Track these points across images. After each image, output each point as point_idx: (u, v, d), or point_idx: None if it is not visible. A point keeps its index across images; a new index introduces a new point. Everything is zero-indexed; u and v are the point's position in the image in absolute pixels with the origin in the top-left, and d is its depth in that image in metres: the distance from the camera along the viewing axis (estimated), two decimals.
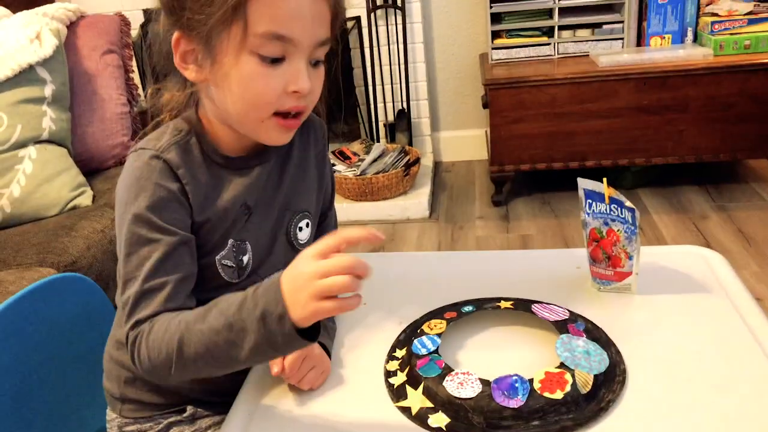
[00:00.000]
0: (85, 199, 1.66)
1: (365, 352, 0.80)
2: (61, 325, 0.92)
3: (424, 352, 0.74)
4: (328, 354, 0.78)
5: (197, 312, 0.66)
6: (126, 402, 0.83)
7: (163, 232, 0.70)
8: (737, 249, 2.01)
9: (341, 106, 2.90)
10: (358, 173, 2.49)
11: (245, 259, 0.77)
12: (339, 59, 0.81)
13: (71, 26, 1.88)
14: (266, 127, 0.71)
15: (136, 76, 2.10)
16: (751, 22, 2.21)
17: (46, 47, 1.70)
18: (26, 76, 1.66)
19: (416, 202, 2.49)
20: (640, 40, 2.44)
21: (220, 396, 0.81)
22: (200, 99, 0.75)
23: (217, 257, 0.75)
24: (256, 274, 0.79)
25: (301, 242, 0.83)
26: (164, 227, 0.70)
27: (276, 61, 0.68)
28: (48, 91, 1.69)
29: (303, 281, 0.59)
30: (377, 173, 2.47)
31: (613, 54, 2.34)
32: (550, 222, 2.34)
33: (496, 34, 2.51)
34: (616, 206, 0.83)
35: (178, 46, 0.70)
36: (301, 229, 0.83)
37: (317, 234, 0.89)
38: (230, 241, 0.76)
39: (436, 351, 0.74)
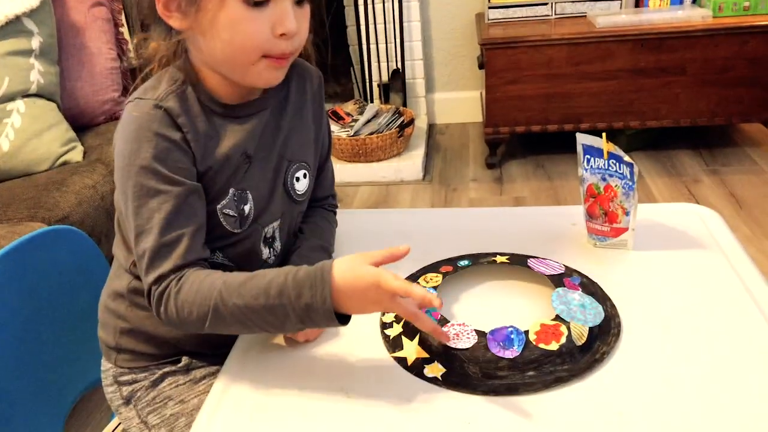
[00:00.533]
0: (76, 155, 1.64)
1: None
2: (54, 276, 0.91)
3: None
4: None
5: (232, 282, 0.67)
6: (121, 352, 0.83)
7: (172, 183, 0.69)
8: (729, 212, 2.02)
9: (328, 53, 2.86)
10: (352, 134, 2.47)
11: (246, 208, 0.77)
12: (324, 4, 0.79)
13: None
14: (257, 69, 0.71)
15: (125, 31, 2.05)
16: None
17: None
18: (13, 27, 1.62)
19: (410, 164, 2.48)
20: (639, 1, 2.41)
21: (216, 347, 0.81)
22: (188, 48, 0.73)
23: (219, 206, 0.74)
24: (256, 222, 0.78)
25: (298, 193, 0.83)
26: (172, 177, 0.69)
27: (260, 3, 0.67)
28: (35, 43, 1.65)
29: (375, 295, 0.63)
30: (371, 134, 2.45)
31: (610, 15, 2.31)
32: (544, 184, 2.34)
33: None
34: (614, 161, 0.82)
35: None
36: (298, 179, 0.82)
37: (315, 186, 0.89)
38: (231, 190, 0.75)
39: None
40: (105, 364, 0.86)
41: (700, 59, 2.21)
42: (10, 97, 1.59)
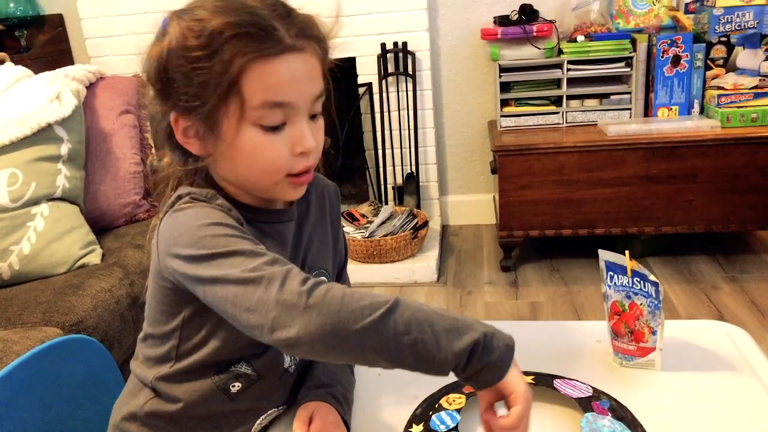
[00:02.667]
0: (94, 258, 1.65)
1: (380, 427, 0.77)
2: (67, 388, 0.90)
3: (443, 429, 0.72)
4: (348, 430, 0.75)
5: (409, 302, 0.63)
6: None
7: (245, 239, 0.66)
8: (751, 321, 1.97)
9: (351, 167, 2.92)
10: (367, 235, 2.48)
11: None
12: (333, 106, 0.81)
13: (90, 87, 1.92)
14: (281, 188, 0.72)
15: (150, 136, 2.13)
16: (757, 96, 2.25)
17: (66, 107, 1.73)
18: (44, 134, 1.68)
19: (424, 266, 2.48)
20: (648, 111, 2.48)
21: None
22: (209, 167, 0.74)
23: None
24: None
25: None
26: (244, 235, 0.67)
27: (277, 128, 0.68)
28: (64, 149, 1.71)
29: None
30: (385, 235, 2.47)
31: (621, 124, 2.37)
32: (560, 289, 2.32)
33: (504, 103, 2.56)
34: (638, 279, 0.81)
35: (177, 124, 0.71)
36: None
37: None
38: None
39: (455, 428, 0.71)
40: None
41: (711, 167, 2.24)
42: (35, 201, 1.63)
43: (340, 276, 0.91)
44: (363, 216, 2.67)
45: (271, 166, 0.70)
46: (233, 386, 0.75)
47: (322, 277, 0.70)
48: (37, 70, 1.88)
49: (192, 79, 0.66)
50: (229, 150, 0.69)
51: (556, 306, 2.21)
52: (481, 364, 0.62)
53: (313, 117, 0.72)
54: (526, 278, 2.44)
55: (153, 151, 2.11)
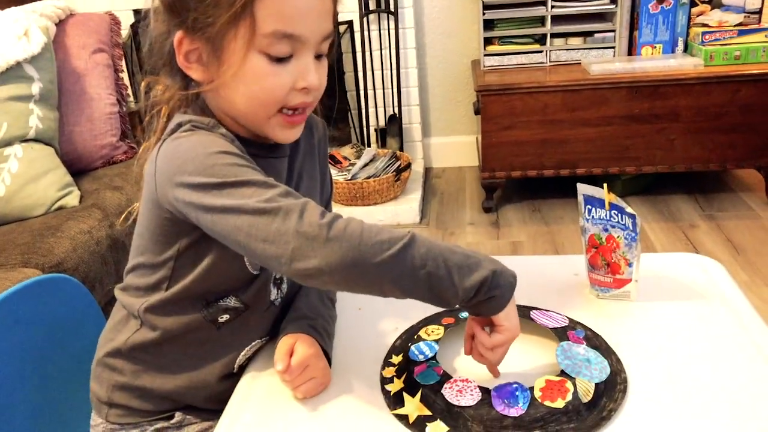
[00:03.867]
0: (72, 200, 1.63)
1: (360, 358, 0.79)
2: (46, 326, 0.89)
3: (421, 358, 0.73)
4: (329, 362, 0.76)
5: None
6: (113, 407, 0.81)
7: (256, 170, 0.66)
8: (727, 258, 2.02)
9: (333, 109, 2.89)
10: (349, 177, 2.47)
11: None
12: (333, 55, 0.80)
13: (60, 24, 1.85)
14: (273, 124, 0.71)
15: (125, 76, 2.07)
16: (741, 33, 2.23)
17: (34, 44, 1.67)
18: (13, 73, 1.63)
19: (407, 208, 2.48)
20: (632, 50, 2.45)
21: (211, 402, 0.79)
22: (205, 96, 0.73)
23: None
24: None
25: None
26: (257, 168, 0.66)
27: (284, 59, 0.67)
28: (35, 89, 1.66)
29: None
30: (368, 178, 2.46)
31: (604, 62, 2.35)
32: (541, 229, 2.34)
33: (488, 41, 2.51)
34: (616, 212, 0.82)
35: (180, 46, 0.69)
36: None
37: None
38: None
39: (434, 357, 0.73)
40: (95, 419, 0.83)
41: (694, 106, 2.24)
42: (7, 142, 1.59)
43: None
44: (345, 158, 2.65)
45: (271, 96, 0.68)
46: (221, 317, 0.76)
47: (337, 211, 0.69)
48: (2, 6, 1.80)
49: None
50: (232, 78, 0.67)
51: (537, 245, 2.23)
52: (485, 297, 0.65)
53: (318, 57, 0.70)
54: (508, 219, 2.46)
55: (135, 89, 2.05)
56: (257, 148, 0.74)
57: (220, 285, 0.75)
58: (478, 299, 0.65)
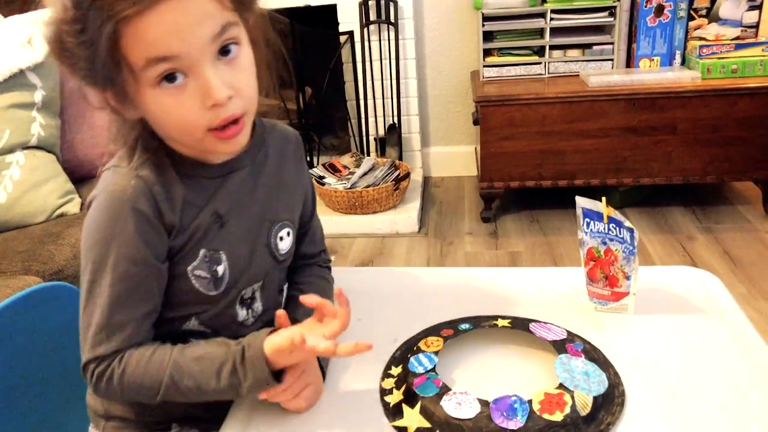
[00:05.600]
0: (73, 207, 1.63)
1: (359, 369, 0.79)
2: (46, 335, 0.90)
3: (421, 370, 0.74)
4: (323, 373, 0.77)
5: (181, 363, 0.69)
6: (110, 419, 0.81)
7: (135, 263, 0.68)
8: (724, 270, 2.02)
9: (333, 117, 2.90)
10: (349, 186, 2.48)
11: (220, 269, 0.74)
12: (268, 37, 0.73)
13: None
14: (209, 144, 0.67)
15: None
16: (738, 47, 2.25)
17: (38, 52, 1.67)
18: (16, 80, 1.64)
19: (406, 217, 2.49)
20: (630, 62, 2.47)
21: (209, 412, 0.79)
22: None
23: (189, 268, 0.72)
24: (235, 287, 0.76)
25: (281, 252, 0.81)
26: (136, 258, 0.68)
27: (172, 79, 0.62)
28: (38, 96, 1.67)
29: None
30: (367, 187, 2.47)
31: (603, 74, 2.36)
32: (539, 239, 2.35)
33: (487, 52, 2.53)
34: (614, 226, 0.83)
35: (104, 94, 0.66)
36: (281, 238, 0.81)
37: (306, 242, 0.88)
38: (202, 251, 0.73)
39: (433, 369, 0.73)
40: (92, 431, 0.83)
41: (691, 119, 2.25)
42: (10, 149, 1.60)
43: (310, 225, 0.89)
44: (345, 167, 2.66)
45: (187, 125, 0.64)
46: (190, 341, 0.75)
47: (110, 362, 0.70)
48: (6, 14, 1.81)
49: (78, 52, 0.60)
50: (146, 113, 0.66)
51: (535, 255, 2.24)
52: (248, 382, 0.69)
53: (225, 53, 0.64)
54: (506, 229, 2.46)
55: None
56: (202, 168, 0.73)
57: (177, 308, 0.74)
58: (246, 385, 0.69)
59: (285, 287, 0.87)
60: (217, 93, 0.62)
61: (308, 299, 0.72)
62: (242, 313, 0.79)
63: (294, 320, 0.82)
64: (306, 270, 0.90)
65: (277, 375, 0.69)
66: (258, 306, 0.80)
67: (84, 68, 0.62)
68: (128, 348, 0.70)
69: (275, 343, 0.68)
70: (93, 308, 0.69)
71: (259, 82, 0.69)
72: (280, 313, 0.73)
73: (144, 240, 0.68)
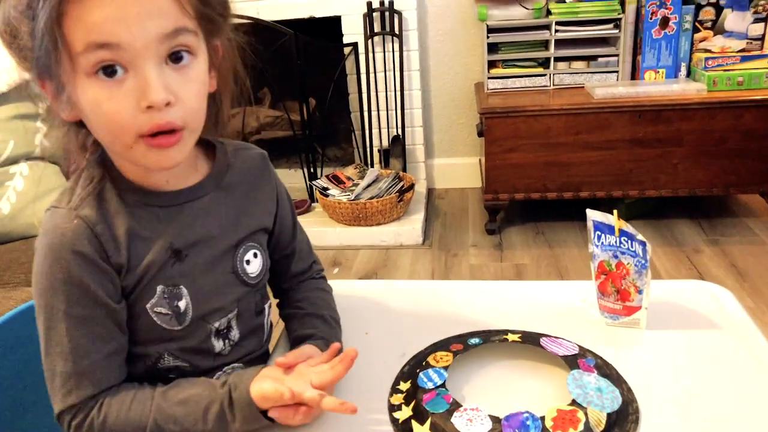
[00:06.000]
0: None
1: (367, 384, 0.77)
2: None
3: (430, 386, 0.72)
4: None
5: (164, 407, 0.66)
6: None
7: (86, 307, 0.65)
8: (731, 284, 2.01)
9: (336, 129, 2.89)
10: (352, 198, 2.47)
11: (182, 304, 0.71)
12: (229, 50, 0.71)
13: None
14: (137, 153, 0.62)
15: None
16: (744, 59, 2.25)
17: None
18: (20, 91, 1.63)
19: (410, 228, 2.48)
20: (635, 74, 2.47)
21: None
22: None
23: (148, 306, 0.69)
24: (202, 320, 0.73)
25: (251, 275, 0.77)
26: (86, 302, 0.65)
27: (115, 73, 0.58)
28: (42, 107, 1.66)
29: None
30: (371, 198, 2.46)
31: (608, 86, 2.36)
32: (544, 252, 2.33)
33: (492, 64, 2.53)
34: (626, 239, 0.81)
35: (45, 88, 0.63)
36: (248, 262, 0.77)
37: (295, 260, 0.86)
38: (159, 288, 0.69)
39: (443, 385, 0.72)
40: None
41: (697, 131, 2.24)
42: (14, 160, 1.59)
43: (294, 241, 0.86)
44: (348, 178, 2.66)
45: (115, 124, 0.60)
46: (169, 377, 0.73)
47: (88, 409, 0.66)
48: None
49: (24, 36, 0.58)
50: (80, 109, 0.62)
51: (541, 268, 2.23)
52: (238, 423, 0.66)
53: (176, 60, 0.61)
54: (511, 241, 2.45)
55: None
56: (154, 197, 0.69)
57: (145, 345, 0.71)
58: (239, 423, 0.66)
59: (266, 306, 0.83)
60: (154, 94, 0.58)
61: (283, 360, 0.71)
62: (218, 345, 0.76)
63: (298, 338, 0.81)
64: (301, 287, 0.87)
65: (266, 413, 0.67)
66: (235, 334, 0.77)
67: (29, 56, 0.59)
68: (103, 392, 0.67)
69: (263, 389, 0.66)
70: (54, 357, 0.66)
71: (214, 108, 0.69)
72: (280, 362, 0.70)
73: (92, 282, 0.65)
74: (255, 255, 0.78)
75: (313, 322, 0.82)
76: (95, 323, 0.66)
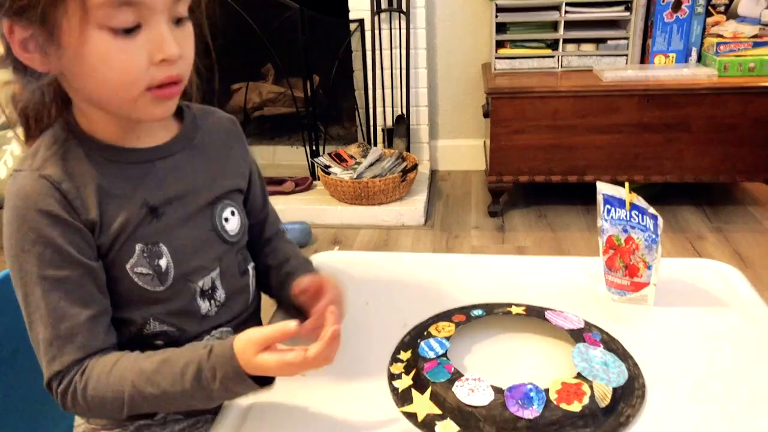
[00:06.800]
0: None
1: (367, 353, 0.76)
2: None
3: (431, 355, 0.70)
4: None
5: (143, 369, 0.63)
6: None
7: (59, 268, 0.63)
8: None
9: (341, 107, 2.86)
10: (355, 176, 2.45)
11: (163, 263, 0.69)
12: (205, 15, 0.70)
13: None
14: (142, 105, 0.63)
15: None
16: (756, 45, 2.21)
17: None
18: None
19: (412, 209, 2.46)
20: (644, 58, 2.43)
21: None
22: (70, 94, 0.65)
23: (128, 266, 0.67)
24: (186, 280, 0.71)
25: (231, 233, 0.76)
26: (60, 262, 0.63)
27: (131, 30, 0.59)
28: None
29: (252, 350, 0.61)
30: (374, 177, 2.43)
31: (617, 69, 2.32)
32: (546, 235, 2.31)
33: (500, 44, 2.49)
34: (637, 213, 0.79)
35: (12, 36, 0.60)
36: (227, 219, 0.76)
37: (264, 226, 0.85)
38: (138, 246, 0.67)
39: (444, 354, 0.70)
40: (77, 420, 0.79)
41: (706, 117, 2.21)
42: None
43: (265, 211, 0.85)
44: (351, 157, 2.63)
45: (127, 77, 0.60)
46: (157, 342, 0.71)
47: (72, 374, 0.64)
48: None
49: None
50: (78, 62, 0.59)
51: (542, 251, 2.21)
52: (217, 382, 0.62)
53: (178, 22, 0.63)
54: (513, 223, 2.43)
55: None
56: (127, 154, 0.68)
57: (128, 309, 0.69)
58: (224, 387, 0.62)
59: (250, 267, 0.81)
60: (171, 48, 0.61)
61: (303, 282, 0.72)
62: (204, 306, 0.74)
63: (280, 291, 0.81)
64: (271, 246, 0.86)
65: (262, 380, 0.62)
66: (220, 294, 0.75)
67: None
68: (87, 357, 0.64)
69: (248, 336, 0.61)
70: (35, 325, 0.63)
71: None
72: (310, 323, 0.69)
73: (63, 241, 0.63)
74: (233, 213, 0.77)
75: (289, 264, 0.83)
76: (72, 284, 0.64)
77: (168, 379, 0.62)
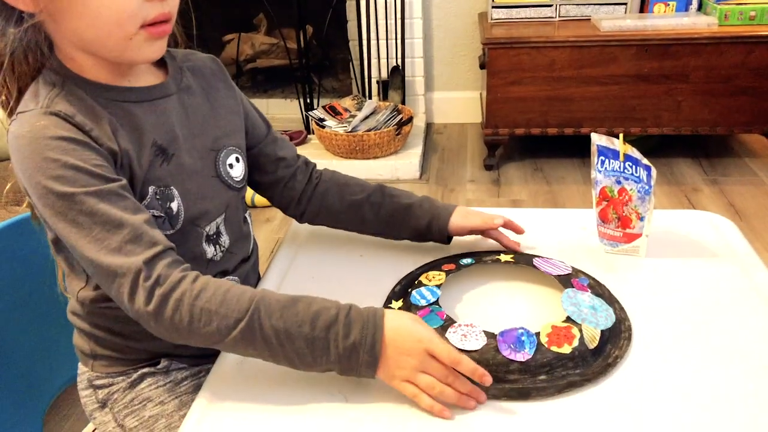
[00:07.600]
0: None
1: (362, 304, 0.76)
2: (35, 265, 0.86)
3: (423, 303, 0.71)
4: None
5: (270, 300, 0.60)
6: (97, 358, 0.78)
7: (96, 183, 0.60)
8: None
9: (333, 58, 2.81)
10: (349, 129, 2.43)
11: (174, 206, 0.69)
12: None
13: None
14: (136, 44, 0.62)
15: None
16: None
17: None
18: None
19: (407, 163, 2.45)
20: (644, 6, 2.38)
21: (197, 348, 0.76)
22: (50, 36, 0.64)
23: None
24: (194, 225, 0.72)
25: (236, 179, 0.77)
26: (92, 180, 0.60)
27: None
28: None
29: (418, 355, 0.59)
30: (368, 131, 2.41)
31: (615, 19, 2.28)
32: (542, 188, 2.31)
33: None
34: (631, 164, 0.79)
35: None
36: (231, 165, 0.77)
37: (280, 152, 0.85)
38: (151, 189, 0.67)
39: (436, 302, 0.71)
40: (81, 368, 0.81)
41: (704, 67, 2.19)
42: None
43: (270, 135, 0.85)
44: (345, 110, 2.60)
45: (123, 12, 0.60)
46: None
47: (175, 276, 0.60)
48: None
49: None
50: (69, 2, 0.59)
51: (538, 204, 2.21)
52: (348, 341, 0.60)
53: None
54: (509, 177, 2.43)
55: None
56: (126, 93, 0.67)
57: None
58: (351, 365, 0.60)
59: (248, 215, 0.83)
60: None
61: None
62: (210, 251, 0.75)
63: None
64: (323, 182, 0.88)
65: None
66: (225, 240, 0.77)
67: None
68: (169, 249, 0.61)
69: (405, 317, 0.61)
70: (89, 247, 0.59)
71: None
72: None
73: (89, 163, 0.60)
74: (237, 159, 0.78)
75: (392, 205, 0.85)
76: (115, 195, 0.60)
77: (298, 317, 0.59)
